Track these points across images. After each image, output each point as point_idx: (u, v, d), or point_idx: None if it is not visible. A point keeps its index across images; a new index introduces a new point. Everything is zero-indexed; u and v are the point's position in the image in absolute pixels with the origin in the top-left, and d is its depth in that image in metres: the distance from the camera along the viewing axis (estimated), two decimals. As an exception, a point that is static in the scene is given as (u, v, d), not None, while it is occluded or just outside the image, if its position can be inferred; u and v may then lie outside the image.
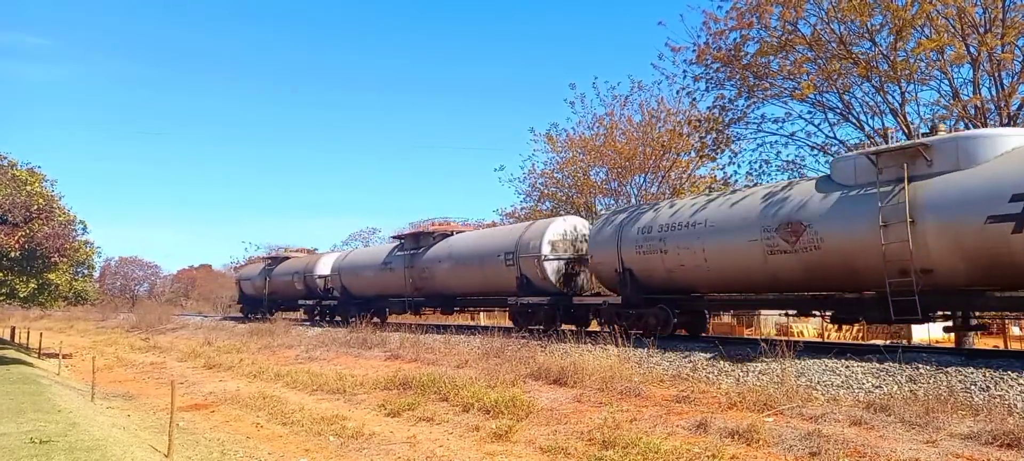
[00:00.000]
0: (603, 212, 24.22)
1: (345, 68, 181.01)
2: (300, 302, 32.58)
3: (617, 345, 13.48)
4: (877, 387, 9.19)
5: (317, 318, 30.61)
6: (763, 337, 15.19)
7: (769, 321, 27.66)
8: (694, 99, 21.39)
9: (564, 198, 29.10)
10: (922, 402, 8.11)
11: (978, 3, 15.75)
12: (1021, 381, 8.26)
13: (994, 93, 16.15)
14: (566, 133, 29.78)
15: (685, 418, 8.88)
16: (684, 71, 20.80)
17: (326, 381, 13.95)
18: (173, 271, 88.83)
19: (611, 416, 9.00)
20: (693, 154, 23.36)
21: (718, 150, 20.84)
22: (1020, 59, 15.73)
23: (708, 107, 20.98)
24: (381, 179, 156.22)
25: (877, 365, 9.89)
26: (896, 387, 8.99)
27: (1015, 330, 24.57)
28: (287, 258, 35.19)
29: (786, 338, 15.15)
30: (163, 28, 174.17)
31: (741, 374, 10.98)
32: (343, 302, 28.58)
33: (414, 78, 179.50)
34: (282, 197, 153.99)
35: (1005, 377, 8.45)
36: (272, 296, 34.79)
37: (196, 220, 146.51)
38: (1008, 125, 15.78)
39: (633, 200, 26.91)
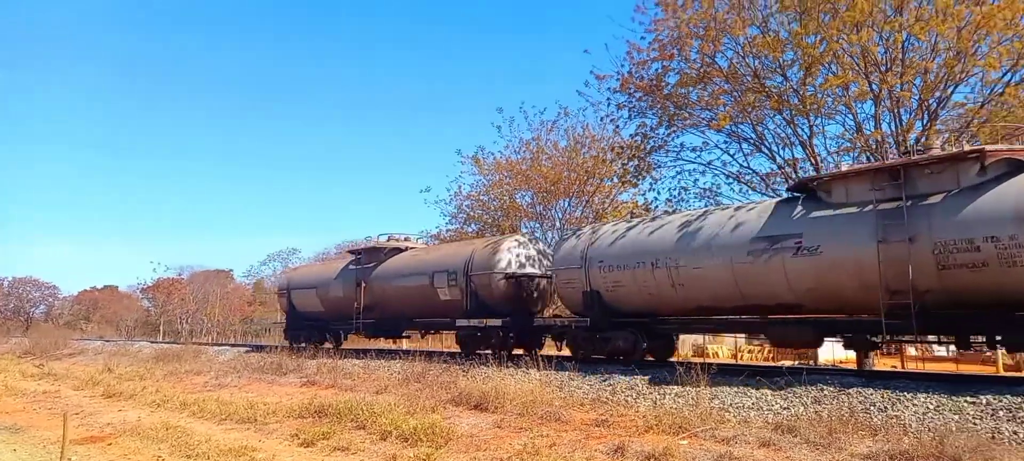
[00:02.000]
0: (570, 228, 23.77)
1: (259, 77, 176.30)
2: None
3: (539, 369, 13.46)
4: (785, 409, 9.48)
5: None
6: (680, 360, 15.52)
7: (687, 342, 28.35)
8: (618, 126, 21.95)
9: (490, 221, 29.13)
10: (826, 423, 8.40)
11: (880, 43, 16.77)
12: (916, 401, 8.69)
13: (893, 128, 17.18)
14: (493, 156, 29.95)
15: (603, 442, 8.89)
16: (608, 99, 21.33)
17: (236, 409, 13.32)
18: (73, 292, 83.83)
19: (531, 441, 8.92)
20: (616, 180, 23.84)
21: (640, 177, 21.38)
22: (917, 97, 16.79)
23: (631, 134, 21.55)
24: (301, 198, 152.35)
25: (785, 388, 10.21)
26: (802, 408, 9.30)
27: (911, 350, 26.00)
28: (399, 249, 21.48)
29: (701, 360, 15.61)
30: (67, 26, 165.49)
31: (658, 397, 11.13)
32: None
33: (341, 95, 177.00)
34: (193, 216, 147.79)
35: (902, 398, 8.86)
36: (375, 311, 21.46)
37: (98, 238, 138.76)
38: (904, 157, 16.82)
39: (558, 224, 27.25)
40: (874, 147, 17.32)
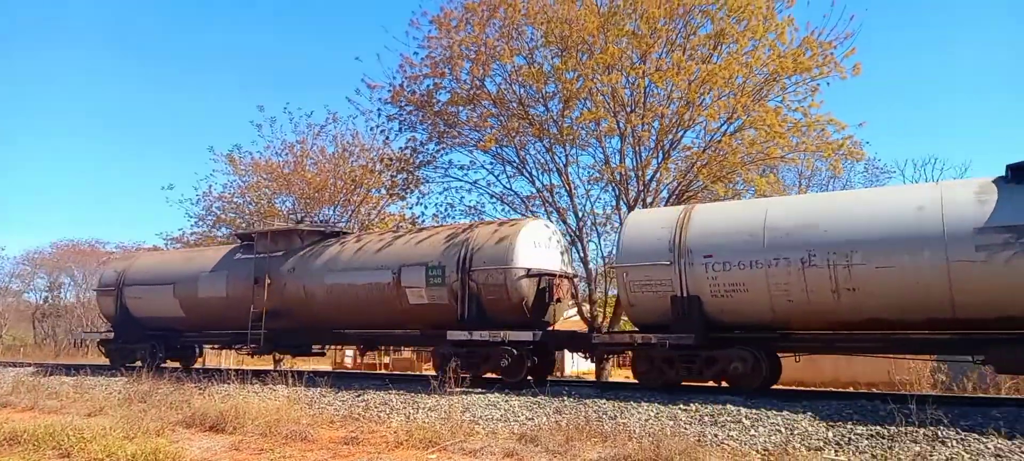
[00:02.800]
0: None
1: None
2: None
3: (287, 385, 12.66)
4: (530, 419, 9.91)
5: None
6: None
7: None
8: (388, 137, 21.74)
9: (244, 225, 27.13)
10: (564, 431, 8.90)
11: (627, 86, 18.59)
12: (640, 409, 9.58)
13: (635, 163, 19.10)
14: (252, 156, 27.98)
15: (351, 460, 8.54)
16: (379, 109, 21.06)
17: None
18: None
19: (270, 463, 8.27)
20: (384, 191, 23.57)
21: (408, 190, 21.36)
22: (654, 138, 18.84)
23: (401, 147, 21.46)
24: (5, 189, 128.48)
25: (531, 398, 10.69)
26: (545, 418, 9.79)
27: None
28: (331, 235, 16.52)
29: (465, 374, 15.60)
30: None
31: (412, 411, 11.03)
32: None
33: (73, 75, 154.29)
34: None
35: (629, 406, 9.72)
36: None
37: None
38: (643, 191, 18.83)
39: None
40: (619, 179, 19.11)
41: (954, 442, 7.23)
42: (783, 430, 8.22)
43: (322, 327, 15.26)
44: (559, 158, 19.73)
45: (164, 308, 17.23)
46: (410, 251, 13.70)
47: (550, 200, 19.92)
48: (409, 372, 22.94)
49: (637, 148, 18.92)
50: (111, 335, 18.65)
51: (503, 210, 21.15)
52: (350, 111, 43.87)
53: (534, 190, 20.41)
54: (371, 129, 22.78)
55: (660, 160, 18.86)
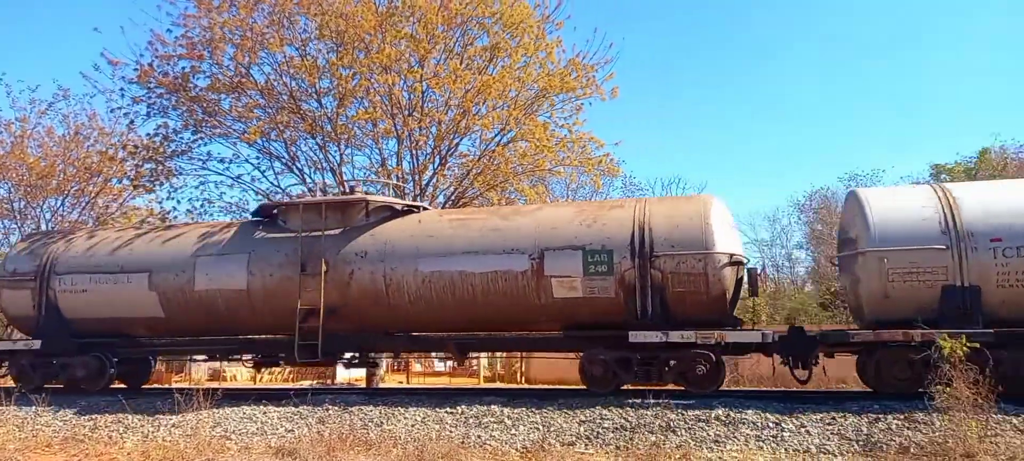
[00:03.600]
0: None
1: None
2: None
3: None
4: (290, 431, 9.32)
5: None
6: (194, 384, 14.03)
7: (203, 367, 26.35)
8: (133, 122, 19.32)
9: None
10: (327, 442, 8.49)
11: (405, 89, 18.47)
12: (408, 415, 9.46)
13: (413, 167, 19.02)
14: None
15: (67, 491, 7.33)
16: (122, 89, 18.65)
17: None
18: None
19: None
20: (127, 182, 20.88)
21: (156, 182, 19.16)
22: (432, 142, 18.92)
23: (149, 133, 19.19)
24: None
25: (293, 409, 10.07)
26: (307, 429, 9.27)
27: (417, 366, 29.06)
28: (404, 212, 12.15)
29: (216, 385, 14.24)
30: None
31: (152, 429, 9.82)
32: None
33: None
34: None
35: (396, 412, 9.56)
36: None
37: None
38: (420, 195, 18.83)
39: (44, 226, 22.44)
40: (396, 181, 18.91)
41: (683, 431, 8.11)
42: (540, 428, 8.61)
43: (404, 328, 11.48)
44: (333, 156, 19.02)
45: (128, 306, 12.16)
46: (553, 232, 10.45)
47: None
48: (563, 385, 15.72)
49: (415, 151, 18.88)
50: (30, 345, 12.59)
51: (269, 209, 19.83)
52: (86, 89, 38.29)
53: (305, 188, 19.43)
54: (112, 111, 19.95)
55: (437, 165, 19.00)
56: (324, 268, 10.93)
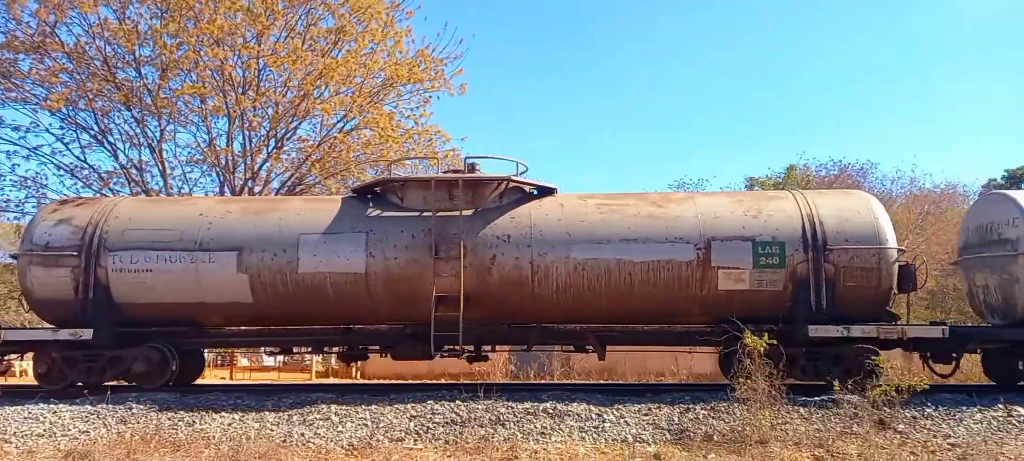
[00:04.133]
0: None
1: None
2: None
3: None
4: (84, 432, 8.33)
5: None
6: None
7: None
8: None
9: None
10: (128, 443, 7.68)
11: (238, 65, 17.30)
12: (223, 413, 8.80)
13: (244, 148, 17.87)
14: None
15: None
16: None
17: None
18: None
19: None
20: None
21: (-69, 147, 16.54)
22: (268, 124, 17.88)
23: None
24: None
25: (90, 408, 9.03)
26: (105, 430, 8.33)
27: (243, 361, 27.38)
28: (532, 195, 10.71)
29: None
30: None
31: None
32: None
33: None
34: None
35: (210, 412, 8.86)
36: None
37: None
38: (252, 179, 17.72)
39: None
40: (224, 164, 17.66)
41: (512, 424, 8.20)
42: (369, 424, 8.34)
43: (542, 319, 10.42)
44: (152, 132, 17.43)
45: (206, 290, 10.19)
46: (717, 222, 9.94)
47: (138, 179, 17.45)
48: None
49: (248, 132, 17.78)
50: (79, 335, 10.15)
51: (74, 185, 17.80)
52: None
53: (118, 165, 17.65)
54: None
55: (273, 148, 18.01)
56: (464, 252, 9.77)
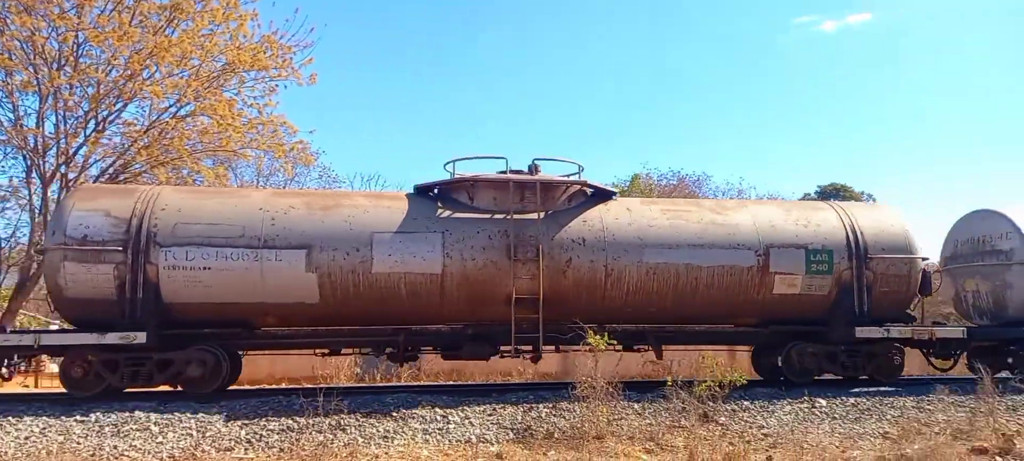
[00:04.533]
0: None
1: None
2: None
3: None
4: None
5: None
6: None
7: None
8: None
9: None
10: None
11: (53, 38, 15.49)
12: (21, 425, 7.81)
13: (57, 130, 16.00)
14: None
15: None
16: None
17: None
18: None
19: None
20: None
21: None
22: (87, 105, 16.12)
23: None
24: None
25: None
26: None
27: (52, 367, 24.53)
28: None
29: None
30: None
31: None
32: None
33: None
34: None
35: (7, 421, 7.85)
36: None
37: None
38: (66, 164, 15.91)
39: None
40: (33, 146, 15.75)
41: (353, 429, 7.94)
42: (194, 434, 7.74)
43: (607, 320, 10.25)
44: (-60, 106, 15.17)
45: (269, 290, 9.54)
46: (773, 230, 10.76)
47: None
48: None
49: (63, 113, 15.94)
50: (131, 338, 9.10)
51: None
52: None
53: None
54: None
55: (92, 131, 16.26)
56: (542, 254, 9.94)
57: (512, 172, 10.51)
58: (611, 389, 8.51)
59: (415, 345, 10.49)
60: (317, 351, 10.61)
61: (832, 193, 32.72)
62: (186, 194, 10.43)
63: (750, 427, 8.66)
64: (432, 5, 75.48)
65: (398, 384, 12.65)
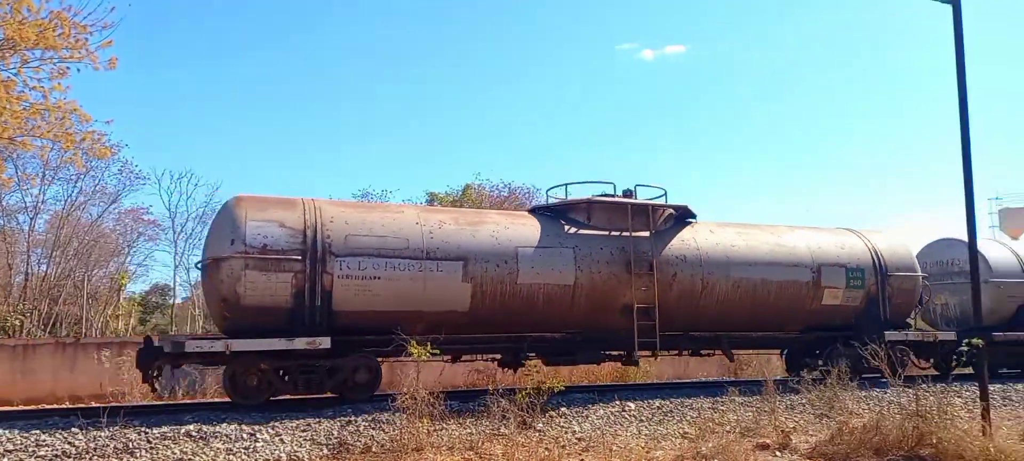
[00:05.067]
0: None
1: None
2: None
3: None
4: None
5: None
6: None
7: None
8: None
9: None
10: None
11: None
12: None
13: None
14: None
15: None
16: None
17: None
18: None
19: None
20: None
21: None
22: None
23: None
24: None
25: None
26: None
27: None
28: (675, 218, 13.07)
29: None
30: None
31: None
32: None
33: None
34: None
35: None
36: None
37: None
38: None
39: None
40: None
41: (143, 452, 7.31)
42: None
43: (696, 328, 12.23)
44: None
45: (428, 298, 10.22)
46: (821, 251, 12.98)
47: None
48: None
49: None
50: (317, 343, 9.42)
51: None
52: None
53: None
54: None
55: None
56: (655, 268, 11.43)
57: (622, 195, 12.03)
58: (433, 399, 8.43)
59: (539, 352, 11.01)
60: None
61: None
62: (346, 208, 10.86)
63: (565, 432, 8.83)
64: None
65: (202, 401, 11.73)
